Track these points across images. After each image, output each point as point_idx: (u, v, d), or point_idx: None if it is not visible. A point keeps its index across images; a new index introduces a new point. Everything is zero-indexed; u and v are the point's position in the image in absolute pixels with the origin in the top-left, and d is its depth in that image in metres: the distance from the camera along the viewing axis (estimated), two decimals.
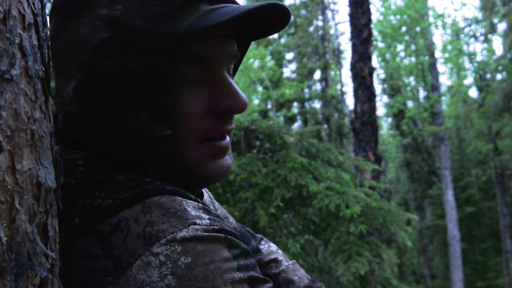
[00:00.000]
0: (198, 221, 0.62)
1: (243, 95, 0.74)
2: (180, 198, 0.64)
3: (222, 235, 0.63)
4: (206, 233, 0.61)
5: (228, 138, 0.77)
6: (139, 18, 0.66)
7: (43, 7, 0.57)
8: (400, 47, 16.31)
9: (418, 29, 15.40)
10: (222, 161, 0.76)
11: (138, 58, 0.66)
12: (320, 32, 17.84)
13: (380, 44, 16.03)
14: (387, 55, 16.23)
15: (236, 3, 0.72)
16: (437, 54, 17.01)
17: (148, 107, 0.68)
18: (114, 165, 0.71)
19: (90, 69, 0.68)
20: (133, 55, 0.66)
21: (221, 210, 1.02)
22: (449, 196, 14.45)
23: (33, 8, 0.53)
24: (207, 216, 0.64)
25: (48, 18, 0.66)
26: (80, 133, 0.74)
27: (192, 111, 0.70)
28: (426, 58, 15.76)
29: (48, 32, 0.62)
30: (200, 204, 0.66)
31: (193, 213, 0.63)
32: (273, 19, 0.74)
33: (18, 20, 0.50)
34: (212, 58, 0.72)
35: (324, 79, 17.80)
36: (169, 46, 0.66)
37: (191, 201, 0.65)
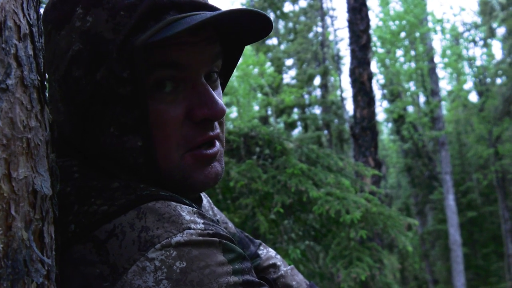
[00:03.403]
0: (192, 225, 0.63)
1: (219, 102, 0.73)
2: (174, 203, 0.65)
3: (217, 239, 0.63)
4: (201, 238, 0.62)
5: (217, 145, 0.76)
6: (108, 29, 0.66)
7: (38, 18, 0.58)
8: (399, 52, 16.32)
9: (417, 34, 15.40)
10: (209, 169, 0.75)
11: (105, 70, 0.66)
12: (320, 38, 17.87)
13: (380, 50, 16.04)
14: (387, 61, 16.23)
15: (217, 9, 0.72)
16: (437, 59, 17.02)
17: (118, 119, 0.68)
18: (107, 172, 0.72)
19: (67, 82, 0.69)
20: (101, 66, 0.66)
21: (220, 216, 1.02)
22: (450, 201, 14.41)
23: (28, 19, 0.54)
24: (202, 221, 0.65)
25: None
26: (69, 142, 0.75)
27: (167, 119, 0.70)
28: (426, 63, 15.76)
29: (43, 42, 0.63)
30: (195, 209, 0.67)
31: (187, 217, 0.64)
32: (248, 23, 0.73)
33: (14, 31, 0.51)
34: (185, 65, 0.70)
35: (324, 85, 17.81)
36: (135, 57, 0.65)
37: (186, 206, 0.66)
